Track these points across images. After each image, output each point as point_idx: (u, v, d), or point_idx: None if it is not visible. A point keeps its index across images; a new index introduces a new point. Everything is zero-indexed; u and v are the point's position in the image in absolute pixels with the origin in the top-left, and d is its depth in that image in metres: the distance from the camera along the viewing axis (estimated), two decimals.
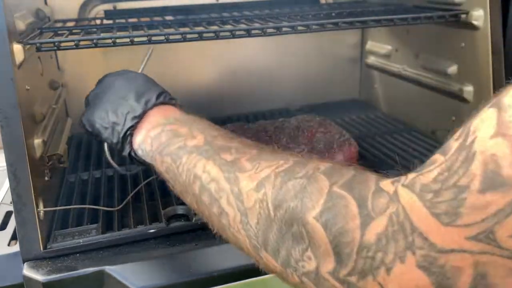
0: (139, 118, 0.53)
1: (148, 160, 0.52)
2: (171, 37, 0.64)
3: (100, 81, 0.62)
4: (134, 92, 0.55)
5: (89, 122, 0.57)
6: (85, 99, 0.62)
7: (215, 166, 0.42)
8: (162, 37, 0.63)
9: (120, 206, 0.65)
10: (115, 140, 0.55)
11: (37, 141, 0.60)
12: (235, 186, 0.40)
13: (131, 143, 0.54)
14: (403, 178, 0.31)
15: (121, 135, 0.53)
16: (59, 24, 0.81)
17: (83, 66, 0.95)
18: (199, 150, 0.45)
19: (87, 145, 0.92)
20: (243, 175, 0.40)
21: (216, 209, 0.41)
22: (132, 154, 0.54)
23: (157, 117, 0.53)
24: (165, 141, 0.49)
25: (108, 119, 0.55)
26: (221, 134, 0.47)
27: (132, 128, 0.53)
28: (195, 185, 0.43)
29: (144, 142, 0.52)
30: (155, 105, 0.54)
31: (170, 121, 0.51)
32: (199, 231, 0.61)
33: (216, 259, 0.57)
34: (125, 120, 0.53)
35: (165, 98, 0.56)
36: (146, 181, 0.72)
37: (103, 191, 0.71)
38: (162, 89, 0.57)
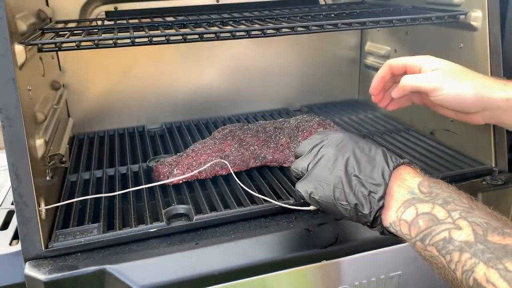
0: (384, 197, 0.50)
1: (403, 238, 0.50)
2: (171, 38, 0.64)
3: (309, 144, 0.57)
4: (364, 164, 0.52)
5: (323, 198, 0.54)
6: (295, 155, 0.60)
7: (502, 280, 0.38)
8: (162, 38, 0.64)
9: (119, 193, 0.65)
10: (362, 222, 0.52)
11: (39, 141, 0.60)
12: None
13: (381, 223, 0.51)
14: None
15: (371, 218, 0.51)
16: (61, 25, 0.81)
17: (84, 66, 0.96)
18: (473, 250, 0.42)
19: (88, 145, 0.92)
20: None
21: None
22: (385, 232, 0.52)
23: (399, 190, 0.50)
24: (424, 229, 0.47)
25: (346, 200, 0.52)
26: (485, 221, 0.44)
27: (380, 210, 0.50)
28: None
29: (397, 224, 0.50)
30: (390, 174, 0.51)
31: (416, 195, 0.49)
32: (199, 231, 0.62)
33: (217, 258, 0.58)
34: (370, 203, 0.50)
35: (393, 160, 0.52)
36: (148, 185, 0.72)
37: (104, 191, 0.72)
38: (379, 146, 0.55)
